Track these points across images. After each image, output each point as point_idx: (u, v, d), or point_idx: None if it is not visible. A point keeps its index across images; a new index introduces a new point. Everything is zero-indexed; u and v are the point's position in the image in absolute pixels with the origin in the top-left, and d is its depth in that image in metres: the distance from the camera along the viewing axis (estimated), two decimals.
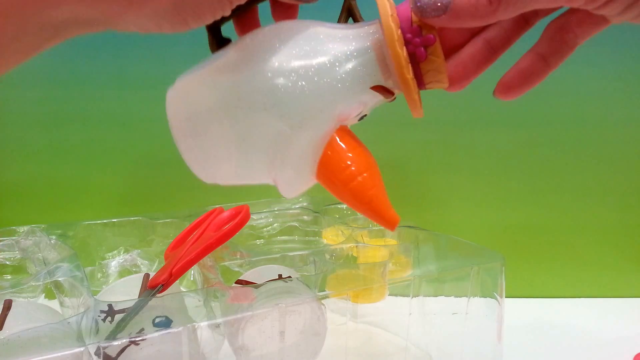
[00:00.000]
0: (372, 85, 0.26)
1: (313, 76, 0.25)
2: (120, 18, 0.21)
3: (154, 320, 0.38)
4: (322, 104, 0.25)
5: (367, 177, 0.26)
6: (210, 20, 0.23)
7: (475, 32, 0.28)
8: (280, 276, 0.48)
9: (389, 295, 0.52)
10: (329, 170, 0.26)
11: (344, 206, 0.60)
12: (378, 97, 0.26)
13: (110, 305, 0.37)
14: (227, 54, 0.28)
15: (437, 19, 0.22)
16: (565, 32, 0.27)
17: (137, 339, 0.35)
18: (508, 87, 0.28)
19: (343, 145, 0.26)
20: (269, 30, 0.27)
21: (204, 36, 0.68)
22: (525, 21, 0.28)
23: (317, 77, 0.25)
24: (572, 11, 0.27)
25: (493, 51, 0.28)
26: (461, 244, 0.52)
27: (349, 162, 0.26)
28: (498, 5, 0.21)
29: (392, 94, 0.26)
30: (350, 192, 0.26)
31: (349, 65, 0.25)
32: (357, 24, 0.28)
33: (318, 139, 0.25)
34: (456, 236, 0.53)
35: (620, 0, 0.21)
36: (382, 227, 0.60)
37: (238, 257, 0.49)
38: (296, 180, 0.27)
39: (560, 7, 0.26)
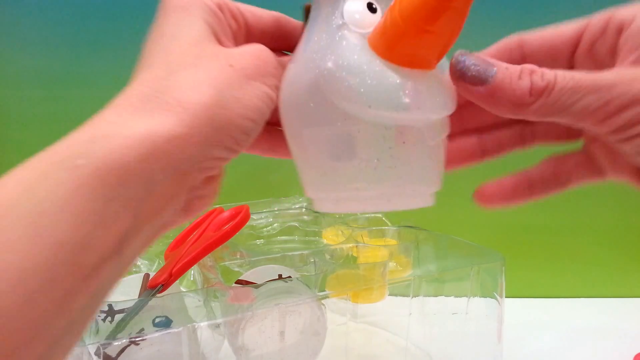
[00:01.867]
0: None
1: None
2: None
3: (154, 320, 0.38)
4: None
5: None
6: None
7: (477, 128, 0.27)
8: (280, 276, 0.48)
9: (389, 295, 0.52)
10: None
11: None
12: None
13: (110, 305, 0.37)
14: None
15: (474, 87, 0.21)
16: (561, 167, 0.26)
17: (137, 339, 0.35)
18: (486, 198, 0.27)
19: None
20: None
21: None
22: (521, 140, 0.27)
23: None
24: (571, 155, 0.26)
25: (482, 154, 0.27)
26: (461, 244, 0.52)
27: None
28: (536, 99, 0.20)
29: None
30: None
31: None
32: None
33: None
34: (456, 236, 0.53)
35: None
36: (382, 227, 0.60)
37: (238, 257, 0.49)
38: None
39: (578, 136, 0.26)
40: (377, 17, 0.22)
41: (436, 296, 0.50)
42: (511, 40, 0.25)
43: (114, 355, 0.35)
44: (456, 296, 0.49)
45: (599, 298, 0.68)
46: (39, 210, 0.16)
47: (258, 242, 0.57)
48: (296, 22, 0.27)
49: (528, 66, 0.21)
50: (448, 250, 0.53)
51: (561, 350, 0.56)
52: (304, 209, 0.62)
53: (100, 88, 0.67)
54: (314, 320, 0.43)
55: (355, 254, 0.54)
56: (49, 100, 0.66)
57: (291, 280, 0.45)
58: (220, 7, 0.23)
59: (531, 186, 0.26)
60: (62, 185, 0.17)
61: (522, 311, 0.63)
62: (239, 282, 0.47)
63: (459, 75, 0.21)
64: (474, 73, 0.21)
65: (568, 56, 0.24)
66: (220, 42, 0.23)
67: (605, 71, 0.20)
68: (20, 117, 0.67)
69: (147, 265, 0.53)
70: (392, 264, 0.52)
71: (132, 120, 0.19)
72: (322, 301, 0.44)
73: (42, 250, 0.16)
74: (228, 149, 0.20)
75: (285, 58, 0.25)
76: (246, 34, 0.25)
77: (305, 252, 0.52)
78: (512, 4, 0.64)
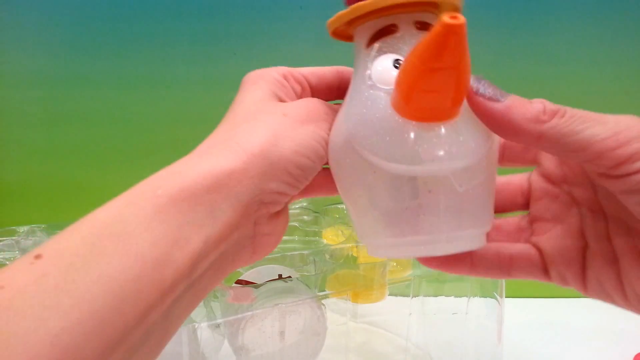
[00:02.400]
0: None
1: None
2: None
3: None
4: None
5: None
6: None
7: None
8: (280, 276, 0.48)
9: (389, 295, 0.52)
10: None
11: (344, 206, 0.60)
12: None
13: None
14: None
15: (492, 102, 0.22)
16: (504, 255, 0.27)
17: None
18: (426, 261, 0.27)
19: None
20: None
21: (204, 36, 0.69)
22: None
23: None
24: (518, 245, 0.27)
25: None
26: None
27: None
28: (550, 118, 0.21)
29: None
30: None
31: None
32: None
33: None
34: None
35: None
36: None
37: None
38: None
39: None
40: None
41: (436, 296, 0.50)
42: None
43: None
44: (456, 296, 0.49)
45: None
46: (128, 231, 0.19)
47: None
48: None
49: (540, 99, 0.22)
50: None
51: (561, 351, 0.56)
52: (304, 209, 0.62)
53: (100, 88, 0.67)
54: (314, 320, 0.43)
55: (355, 254, 0.54)
56: (49, 100, 0.67)
57: (291, 280, 0.45)
58: (285, 77, 0.27)
59: (473, 264, 0.27)
60: (145, 210, 0.20)
61: (522, 311, 0.63)
62: (239, 282, 0.47)
63: (477, 92, 0.22)
64: (492, 91, 0.22)
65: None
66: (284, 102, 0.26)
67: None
68: (20, 117, 0.67)
69: None
70: (392, 264, 0.52)
71: (200, 161, 0.22)
72: (322, 301, 0.44)
73: (130, 264, 0.19)
74: (285, 183, 0.23)
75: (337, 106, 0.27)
76: (312, 92, 0.29)
77: (305, 252, 0.52)
78: (512, 12, 0.64)
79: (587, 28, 0.64)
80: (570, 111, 0.21)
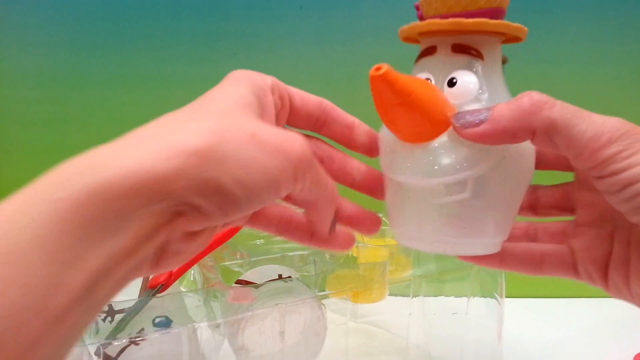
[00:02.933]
0: None
1: None
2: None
3: (154, 320, 0.38)
4: None
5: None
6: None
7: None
8: (280, 276, 0.48)
9: (389, 295, 0.52)
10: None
11: None
12: None
13: (110, 305, 0.37)
14: None
15: (477, 128, 0.23)
16: (535, 253, 0.28)
17: (137, 339, 0.35)
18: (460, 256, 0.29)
19: None
20: None
21: (204, 36, 0.69)
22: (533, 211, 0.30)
23: None
24: (550, 245, 0.29)
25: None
26: None
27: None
28: (541, 109, 0.22)
29: None
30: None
31: None
32: None
33: None
34: None
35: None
36: (382, 227, 0.60)
37: (238, 257, 0.49)
38: None
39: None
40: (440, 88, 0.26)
41: (436, 296, 0.50)
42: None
43: (114, 355, 0.35)
44: (456, 296, 0.49)
45: (599, 298, 0.68)
46: (12, 249, 0.15)
47: (258, 242, 0.57)
48: (339, 110, 0.28)
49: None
50: None
51: (561, 351, 0.56)
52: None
53: (100, 88, 0.67)
54: (314, 320, 0.43)
55: (355, 254, 0.54)
56: (49, 100, 0.66)
57: (291, 280, 0.45)
58: (272, 87, 0.25)
59: (502, 259, 0.28)
60: (38, 220, 0.16)
61: (522, 311, 0.63)
62: (239, 282, 0.47)
63: (462, 128, 0.24)
64: (469, 117, 0.24)
65: None
66: (260, 118, 0.23)
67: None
68: (20, 117, 0.67)
69: None
70: (391, 264, 0.52)
71: (124, 154, 0.18)
72: (322, 301, 0.44)
73: (11, 293, 0.15)
74: (211, 204, 0.19)
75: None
76: (291, 113, 0.27)
77: (305, 252, 0.52)
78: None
79: (587, 28, 0.64)
80: (561, 103, 0.22)
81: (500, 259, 0.28)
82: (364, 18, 0.62)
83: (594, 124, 0.22)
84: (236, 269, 0.49)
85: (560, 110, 0.22)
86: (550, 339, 0.58)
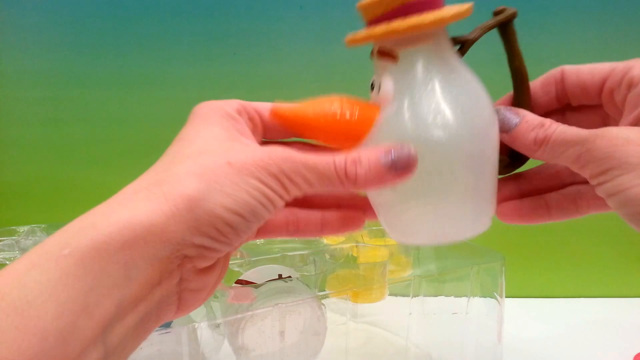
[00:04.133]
0: None
1: None
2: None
3: None
4: None
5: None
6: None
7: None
8: (280, 276, 0.48)
9: (389, 295, 0.52)
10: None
11: None
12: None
13: None
14: None
15: (501, 134, 0.26)
16: (580, 198, 0.28)
17: None
18: (505, 216, 0.30)
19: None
20: None
21: (204, 36, 0.69)
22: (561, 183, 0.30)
23: None
24: (589, 187, 0.28)
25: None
26: (461, 244, 0.52)
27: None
28: (539, 147, 0.25)
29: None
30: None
31: None
32: None
33: None
34: None
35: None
36: (383, 227, 0.60)
37: (238, 257, 0.49)
38: None
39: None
40: (374, 94, 0.27)
41: (436, 296, 0.50)
42: (556, 72, 0.29)
43: None
44: (456, 296, 0.49)
45: (599, 298, 0.68)
46: (27, 300, 0.17)
47: (258, 242, 0.57)
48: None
49: (545, 121, 0.26)
50: (448, 250, 0.53)
51: (561, 351, 0.56)
52: None
53: (100, 88, 0.67)
54: (314, 320, 0.43)
55: (355, 254, 0.54)
56: (49, 100, 0.66)
57: (291, 280, 0.45)
58: (239, 112, 0.25)
59: (549, 211, 0.29)
60: (48, 274, 0.18)
61: (522, 311, 0.63)
62: (239, 282, 0.47)
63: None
64: (501, 122, 0.26)
65: (597, 96, 0.27)
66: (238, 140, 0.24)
67: (588, 130, 0.24)
68: (20, 117, 0.67)
69: None
70: (391, 264, 0.52)
71: (119, 210, 0.20)
72: (322, 301, 0.44)
73: (28, 341, 0.16)
74: (213, 239, 0.21)
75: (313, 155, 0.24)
76: (265, 127, 0.27)
77: (305, 252, 0.52)
78: None
79: (587, 27, 0.64)
80: (555, 136, 0.25)
81: (547, 213, 0.30)
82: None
83: (576, 145, 0.24)
84: (236, 269, 0.49)
85: (553, 143, 0.25)
86: (550, 339, 0.58)
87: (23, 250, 0.47)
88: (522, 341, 0.56)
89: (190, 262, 0.21)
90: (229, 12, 0.65)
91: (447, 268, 0.51)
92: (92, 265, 0.18)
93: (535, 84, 0.29)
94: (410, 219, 0.27)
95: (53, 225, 0.51)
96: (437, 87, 0.25)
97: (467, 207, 0.26)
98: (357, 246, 0.53)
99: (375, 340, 0.55)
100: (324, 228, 0.28)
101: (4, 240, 0.48)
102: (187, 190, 0.20)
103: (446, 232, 0.26)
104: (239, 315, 0.41)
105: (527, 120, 0.26)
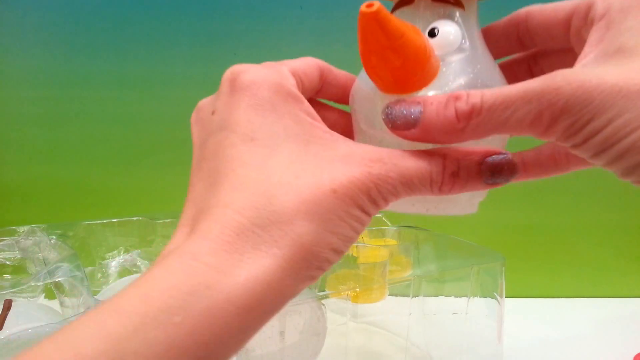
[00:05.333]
0: None
1: None
2: None
3: None
4: None
5: None
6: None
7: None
8: None
9: (389, 295, 0.52)
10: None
11: None
12: None
13: None
14: None
15: (408, 132, 0.21)
16: (559, 151, 0.25)
17: None
18: (523, 167, 0.27)
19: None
20: None
21: (204, 36, 0.69)
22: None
23: None
24: None
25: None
26: (461, 244, 0.52)
27: None
28: (467, 123, 0.20)
29: None
30: None
31: None
32: None
33: None
34: (456, 236, 0.53)
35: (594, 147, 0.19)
36: (382, 227, 0.60)
37: None
38: None
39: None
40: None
41: (436, 296, 0.50)
42: (521, 12, 0.25)
43: None
44: (456, 296, 0.49)
45: (599, 298, 0.68)
46: None
47: None
48: (337, 71, 0.26)
49: (454, 94, 0.20)
50: (448, 250, 0.53)
51: (561, 351, 0.56)
52: None
53: (100, 88, 0.67)
54: (314, 320, 0.43)
55: (355, 254, 0.54)
56: (49, 100, 0.66)
57: None
58: (298, 86, 0.22)
59: (525, 167, 0.26)
60: (154, 346, 0.15)
61: (522, 311, 0.63)
62: None
63: (391, 126, 0.22)
64: (402, 119, 0.21)
65: (563, 37, 0.24)
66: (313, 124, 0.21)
67: (536, 78, 0.19)
68: (20, 117, 0.67)
69: (147, 265, 0.53)
70: (391, 264, 0.52)
71: (231, 265, 0.17)
72: (322, 301, 0.44)
73: None
74: (312, 279, 0.19)
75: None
76: (311, 91, 0.25)
77: None
78: None
79: None
80: (488, 101, 0.19)
81: (566, 163, 0.26)
82: None
83: (530, 103, 0.19)
84: None
85: (489, 109, 0.20)
86: (550, 339, 0.58)
87: (23, 250, 0.47)
88: (522, 341, 0.56)
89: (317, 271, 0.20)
90: (229, 12, 0.65)
91: (447, 268, 0.51)
92: (205, 336, 0.16)
93: (498, 25, 0.26)
94: None
95: (53, 225, 0.51)
96: (484, 43, 0.25)
97: None
98: (357, 246, 0.53)
99: (375, 340, 0.55)
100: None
101: (4, 240, 0.48)
102: (302, 239, 0.18)
103: (442, 206, 0.24)
104: None
105: (432, 102, 0.20)
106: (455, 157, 0.21)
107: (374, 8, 0.20)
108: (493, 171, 0.21)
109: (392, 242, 0.57)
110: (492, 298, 0.48)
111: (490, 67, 0.24)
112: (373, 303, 0.52)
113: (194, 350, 0.16)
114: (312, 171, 0.19)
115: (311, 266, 0.18)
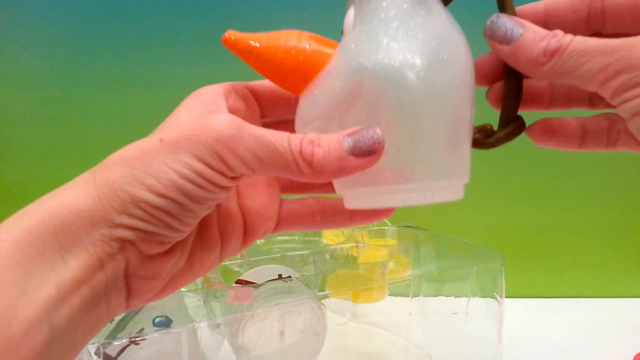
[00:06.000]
0: None
1: None
2: None
3: (154, 320, 0.38)
4: None
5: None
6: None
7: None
8: (280, 276, 0.48)
9: (389, 295, 0.52)
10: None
11: None
12: None
13: None
14: None
15: (500, 45, 0.22)
16: (613, 127, 0.25)
17: (137, 338, 0.35)
18: (534, 132, 0.27)
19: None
20: None
21: (204, 36, 0.68)
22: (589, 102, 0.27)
23: None
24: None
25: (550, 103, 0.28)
26: (461, 244, 0.52)
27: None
28: (549, 60, 0.21)
29: None
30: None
31: None
32: None
33: None
34: (456, 236, 0.53)
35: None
36: (382, 227, 0.60)
37: (238, 257, 0.49)
38: None
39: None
40: None
41: (436, 296, 0.50)
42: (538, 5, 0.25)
43: (114, 355, 0.35)
44: (456, 296, 0.49)
45: (599, 298, 0.68)
46: None
47: (258, 242, 0.57)
48: (257, 82, 0.27)
49: (556, 31, 0.22)
50: (448, 250, 0.53)
51: (561, 351, 0.56)
52: None
53: (100, 88, 0.67)
54: (314, 320, 0.43)
55: (355, 254, 0.54)
56: (49, 100, 0.67)
57: (291, 280, 0.45)
58: (226, 93, 0.25)
59: (583, 139, 0.26)
60: None
61: (522, 311, 0.63)
62: (239, 282, 0.47)
63: (489, 33, 0.23)
64: (502, 32, 0.22)
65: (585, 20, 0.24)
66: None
67: (619, 38, 0.20)
68: (20, 117, 0.67)
69: None
70: (391, 264, 0.52)
71: (52, 197, 0.20)
72: (322, 301, 0.44)
73: None
74: (145, 222, 0.20)
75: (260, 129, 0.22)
76: (264, 108, 0.27)
77: (305, 252, 0.52)
78: None
79: None
80: (573, 45, 0.21)
81: (581, 139, 0.26)
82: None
83: (604, 55, 0.20)
84: (236, 269, 0.49)
85: (567, 56, 0.21)
86: (550, 339, 0.58)
87: None
88: (522, 341, 0.56)
89: (134, 247, 0.20)
90: (229, 12, 0.65)
91: (447, 268, 0.51)
92: (29, 250, 0.19)
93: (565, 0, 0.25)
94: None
95: None
96: (397, 15, 0.22)
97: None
98: (357, 246, 0.53)
99: (375, 340, 0.55)
100: (353, 217, 0.26)
101: None
102: (112, 175, 0.20)
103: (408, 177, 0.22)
104: (239, 315, 0.41)
105: (535, 30, 0.22)
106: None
107: (224, 36, 0.23)
108: (352, 135, 0.21)
109: (392, 242, 0.57)
110: (492, 298, 0.48)
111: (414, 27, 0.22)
112: (373, 303, 0.52)
113: (21, 263, 0.19)
114: (160, 130, 0.23)
115: (126, 203, 0.20)
